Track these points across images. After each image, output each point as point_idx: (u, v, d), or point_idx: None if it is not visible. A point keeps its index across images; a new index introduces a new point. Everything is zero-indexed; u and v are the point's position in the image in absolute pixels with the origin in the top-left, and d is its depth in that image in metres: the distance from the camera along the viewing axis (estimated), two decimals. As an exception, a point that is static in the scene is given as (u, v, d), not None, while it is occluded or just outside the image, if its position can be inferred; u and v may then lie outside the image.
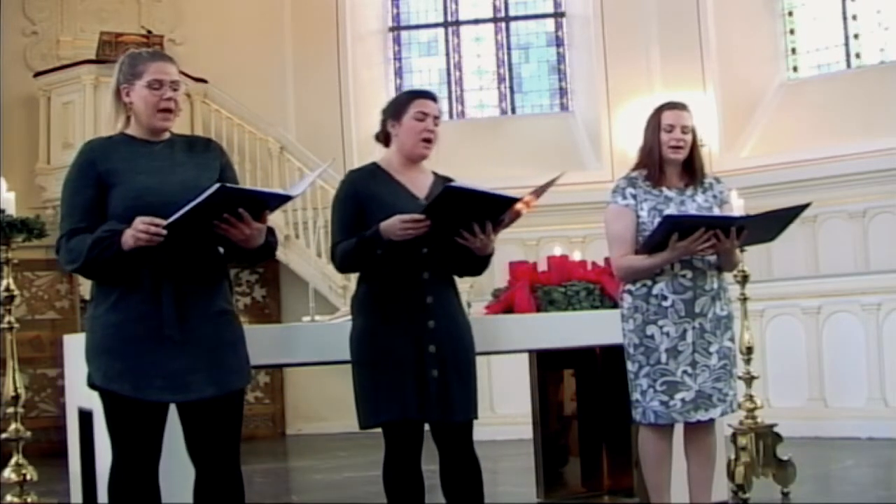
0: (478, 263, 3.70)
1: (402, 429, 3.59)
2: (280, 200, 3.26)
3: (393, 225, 3.48)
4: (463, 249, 3.56)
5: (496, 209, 3.51)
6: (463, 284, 4.32)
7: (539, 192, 3.68)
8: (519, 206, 3.58)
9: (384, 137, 3.82)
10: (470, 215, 3.49)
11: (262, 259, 3.39)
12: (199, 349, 3.16)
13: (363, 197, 3.66)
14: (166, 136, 3.33)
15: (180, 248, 3.13)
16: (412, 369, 3.55)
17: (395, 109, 3.75)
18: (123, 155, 3.22)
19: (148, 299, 3.13)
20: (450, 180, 3.75)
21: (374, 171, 3.75)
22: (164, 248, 3.08)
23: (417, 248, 3.57)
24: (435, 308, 3.60)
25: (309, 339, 4.39)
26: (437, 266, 3.64)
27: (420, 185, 3.69)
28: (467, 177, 3.81)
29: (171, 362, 3.12)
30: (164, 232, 3.03)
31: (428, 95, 3.78)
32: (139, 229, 3.03)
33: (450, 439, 3.64)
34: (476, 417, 3.67)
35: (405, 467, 3.62)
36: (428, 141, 3.70)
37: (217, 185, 2.99)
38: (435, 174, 3.81)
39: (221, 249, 3.28)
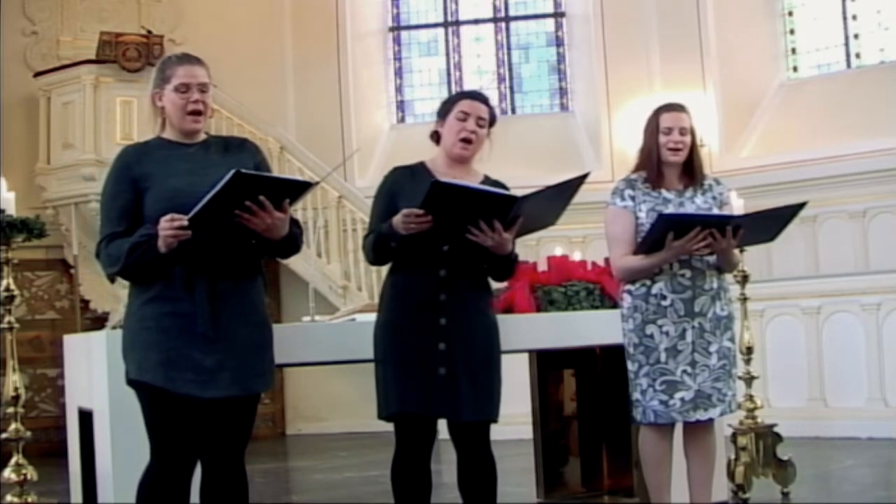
0: (501, 264, 3.70)
1: (411, 424, 3.61)
2: (301, 188, 3.25)
3: (398, 219, 3.52)
4: (485, 249, 3.57)
5: (498, 207, 3.50)
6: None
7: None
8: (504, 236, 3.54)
9: (436, 137, 3.81)
10: (475, 213, 3.48)
11: (288, 251, 3.39)
12: (230, 349, 3.19)
13: (398, 194, 3.69)
14: (202, 137, 3.35)
15: (212, 245, 3.15)
16: (420, 365, 3.57)
17: (444, 108, 3.77)
18: (157, 158, 3.26)
19: (183, 296, 3.16)
20: (501, 185, 3.75)
21: (416, 170, 3.77)
22: (196, 244, 3.10)
23: (437, 245, 3.59)
24: (448, 306, 3.61)
25: (309, 339, 4.39)
26: (457, 264, 3.64)
27: None
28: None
29: (202, 359, 3.16)
30: (186, 223, 3.05)
31: (476, 97, 3.78)
32: (163, 227, 3.07)
33: (464, 438, 3.66)
34: (493, 419, 3.66)
35: (412, 463, 3.64)
36: (466, 141, 3.70)
37: (233, 171, 3.01)
38: (486, 177, 3.80)
39: (253, 241, 3.26)
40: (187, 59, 3.35)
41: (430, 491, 3.69)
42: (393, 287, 3.72)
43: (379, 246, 3.64)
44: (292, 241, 3.31)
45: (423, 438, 3.64)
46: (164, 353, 3.15)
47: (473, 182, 3.69)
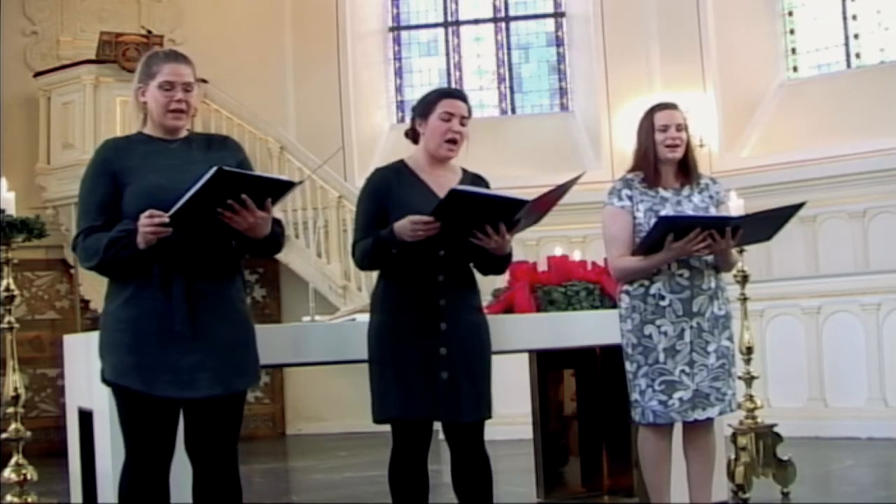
0: (498, 263, 3.72)
1: (410, 427, 3.62)
2: (283, 187, 3.22)
3: (404, 226, 3.51)
4: (481, 250, 3.58)
5: (507, 211, 3.51)
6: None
7: (544, 202, 3.63)
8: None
9: (413, 135, 3.80)
10: (481, 217, 3.49)
11: (270, 251, 3.37)
12: (210, 347, 3.17)
13: (385, 195, 3.68)
14: (183, 134, 3.34)
15: (191, 243, 3.14)
16: (422, 370, 3.58)
17: (423, 108, 3.74)
18: (139, 154, 3.24)
19: (160, 296, 3.14)
20: (479, 177, 3.78)
21: (399, 170, 3.76)
22: (175, 241, 3.09)
23: (434, 250, 3.59)
24: (448, 310, 3.62)
25: (309, 339, 4.39)
26: (454, 269, 3.66)
27: (445, 183, 3.66)
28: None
29: (180, 359, 3.14)
30: (167, 220, 3.04)
31: (456, 95, 3.77)
32: (143, 224, 3.05)
33: (460, 438, 3.67)
34: (489, 417, 3.69)
35: (411, 465, 3.65)
36: (452, 142, 3.70)
37: (215, 168, 2.99)
38: (464, 171, 3.81)
39: (234, 243, 3.27)
40: (174, 56, 3.34)
41: (427, 491, 3.70)
42: (387, 291, 3.70)
43: (377, 251, 3.62)
44: (274, 240, 3.29)
45: (421, 440, 3.65)
46: (141, 356, 3.13)
47: (455, 179, 3.71)
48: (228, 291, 3.27)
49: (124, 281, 3.18)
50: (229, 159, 3.29)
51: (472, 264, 3.74)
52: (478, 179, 3.78)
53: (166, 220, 3.04)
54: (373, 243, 3.62)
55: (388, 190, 3.68)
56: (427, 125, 3.71)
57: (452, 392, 3.58)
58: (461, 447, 3.68)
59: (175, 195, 3.05)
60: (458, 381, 3.59)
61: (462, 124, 3.70)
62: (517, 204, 3.50)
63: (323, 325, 4.69)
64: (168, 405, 3.17)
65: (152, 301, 3.14)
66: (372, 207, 3.70)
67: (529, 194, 3.57)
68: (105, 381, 3.24)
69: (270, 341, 4.19)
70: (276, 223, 3.28)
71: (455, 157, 3.75)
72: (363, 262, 3.73)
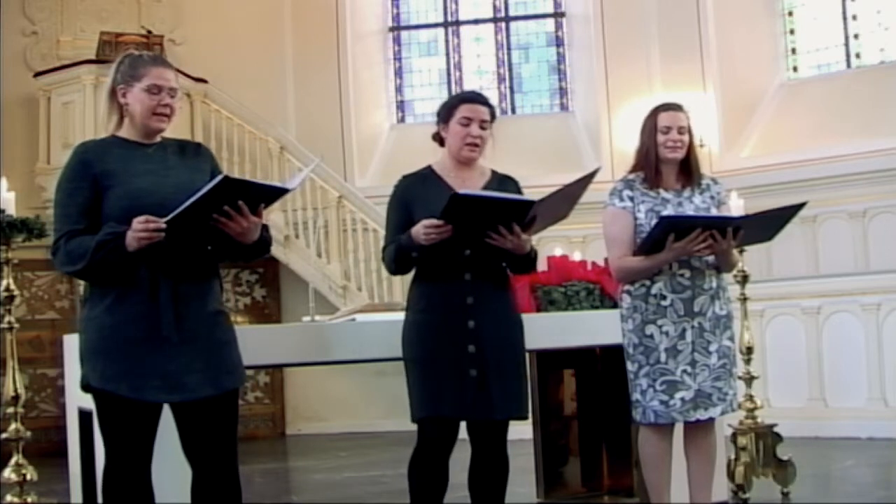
0: (522, 262, 3.75)
1: (438, 426, 3.65)
2: (277, 193, 3.27)
3: (418, 230, 3.57)
4: (505, 250, 3.62)
5: (517, 211, 3.53)
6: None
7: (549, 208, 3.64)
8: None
9: (439, 139, 3.86)
10: (492, 218, 3.52)
11: (257, 255, 3.38)
12: (196, 349, 3.16)
13: (410, 201, 3.75)
14: (157, 139, 3.33)
15: (177, 248, 3.13)
16: (452, 369, 3.62)
17: (445, 113, 3.81)
18: (118, 157, 3.23)
19: (145, 300, 3.13)
20: (509, 178, 3.84)
21: (425, 176, 3.83)
22: (163, 247, 3.08)
23: (459, 250, 3.63)
24: (476, 309, 3.66)
25: (309, 339, 4.39)
26: (481, 268, 3.69)
27: (471, 185, 3.73)
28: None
29: (168, 363, 3.13)
30: (164, 226, 3.03)
31: (476, 99, 3.81)
32: (138, 229, 3.04)
33: (485, 436, 3.73)
34: (524, 417, 3.74)
35: (434, 464, 3.69)
36: (473, 145, 3.75)
37: (222, 175, 3.02)
38: (494, 172, 3.86)
39: (209, 248, 3.27)
40: (161, 61, 3.35)
41: (444, 491, 3.74)
42: (419, 291, 3.76)
43: (400, 257, 3.70)
44: (262, 244, 3.30)
45: (447, 439, 3.68)
46: (127, 362, 3.11)
47: (482, 181, 3.78)
48: (209, 293, 3.27)
49: (107, 285, 3.16)
50: (205, 166, 3.32)
51: (503, 265, 3.78)
52: (507, 180, 3.84)
53: (163, 225, 3.04)
54: (395, 249, 3.70)
55: (413, 195, 3.75)
56: (449, 129, 3.78)
57: (482, 390, 3.62)
58: (484, 446, 3.74)
59: (159, 199, 3.08)
60: (487, 379, 3.63)
61: (483, 127, 3.76)
62: (523, 205, 3.52)
63: (323, 325, 4.69)
64: (153, 409, 3.17)
65: (137, 306, 3.13)
66: (398, 214, 3.77)
67: (531, 194, 3.58)
68: (88, 387, 3.20)
69: (269, 341, 4.20)
70: (264, 228, 3.30)
71: (478, 157, 3.80)
72: (390, 267, 3.80)
